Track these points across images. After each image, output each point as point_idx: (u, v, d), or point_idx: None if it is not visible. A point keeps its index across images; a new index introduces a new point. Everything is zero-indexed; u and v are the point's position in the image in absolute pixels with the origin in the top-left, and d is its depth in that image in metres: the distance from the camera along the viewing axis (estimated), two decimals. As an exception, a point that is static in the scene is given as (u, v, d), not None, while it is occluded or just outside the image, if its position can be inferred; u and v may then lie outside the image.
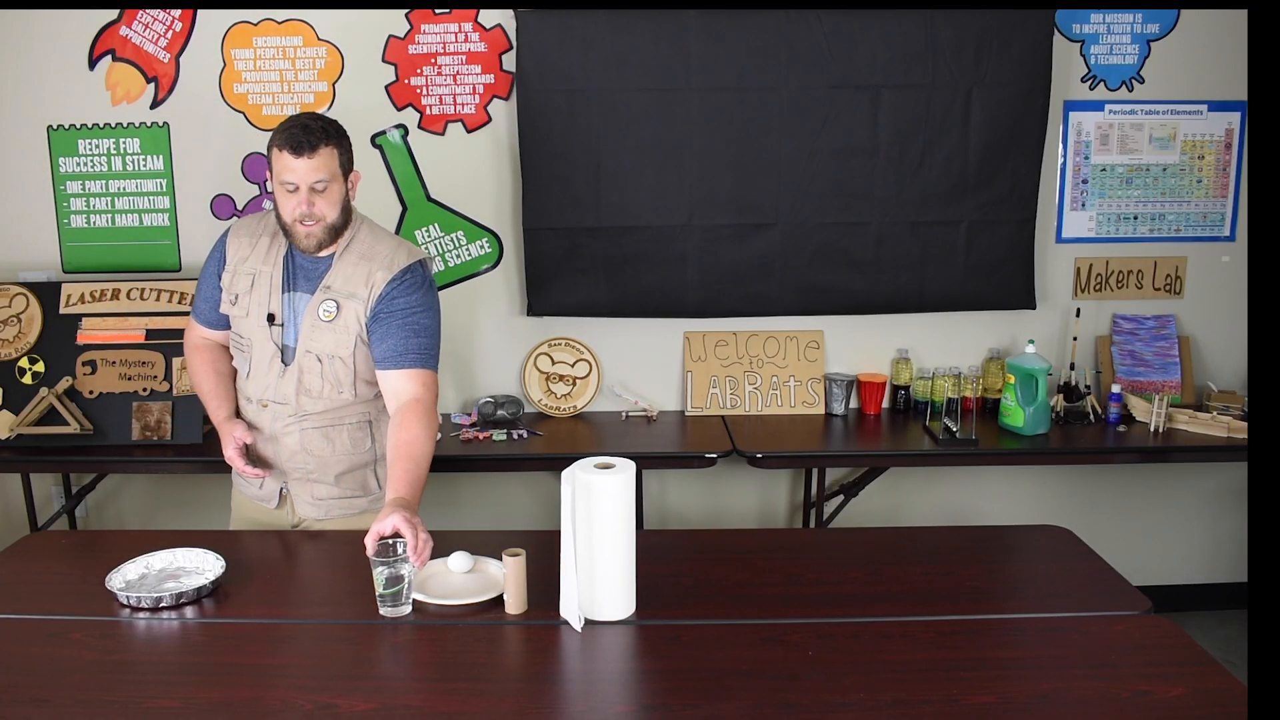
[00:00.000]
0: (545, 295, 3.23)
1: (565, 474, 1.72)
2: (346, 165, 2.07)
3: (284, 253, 2.13)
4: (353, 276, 2.10)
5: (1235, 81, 3.26)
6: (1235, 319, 3.40)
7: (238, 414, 2.22)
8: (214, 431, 2.25)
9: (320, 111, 2.07)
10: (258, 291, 2.12)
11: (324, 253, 2.11)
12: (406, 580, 1.76)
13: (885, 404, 3.38)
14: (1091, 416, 3.20)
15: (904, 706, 1.49)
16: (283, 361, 2.12)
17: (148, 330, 3.03)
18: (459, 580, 1.89)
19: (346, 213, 2.09)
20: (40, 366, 3.00)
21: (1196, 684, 1.55)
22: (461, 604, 1.80)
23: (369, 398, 2.18)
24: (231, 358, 2.25)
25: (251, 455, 2.19)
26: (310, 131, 1.98)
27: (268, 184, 3.19)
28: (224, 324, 2.21)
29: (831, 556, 2.05)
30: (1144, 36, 3.23)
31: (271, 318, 2.11)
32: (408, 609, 1.77)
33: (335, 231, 2.08)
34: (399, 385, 2.08)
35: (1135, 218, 3.35)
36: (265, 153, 2.09)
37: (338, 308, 2.09)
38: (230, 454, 2.15)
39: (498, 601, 1.80)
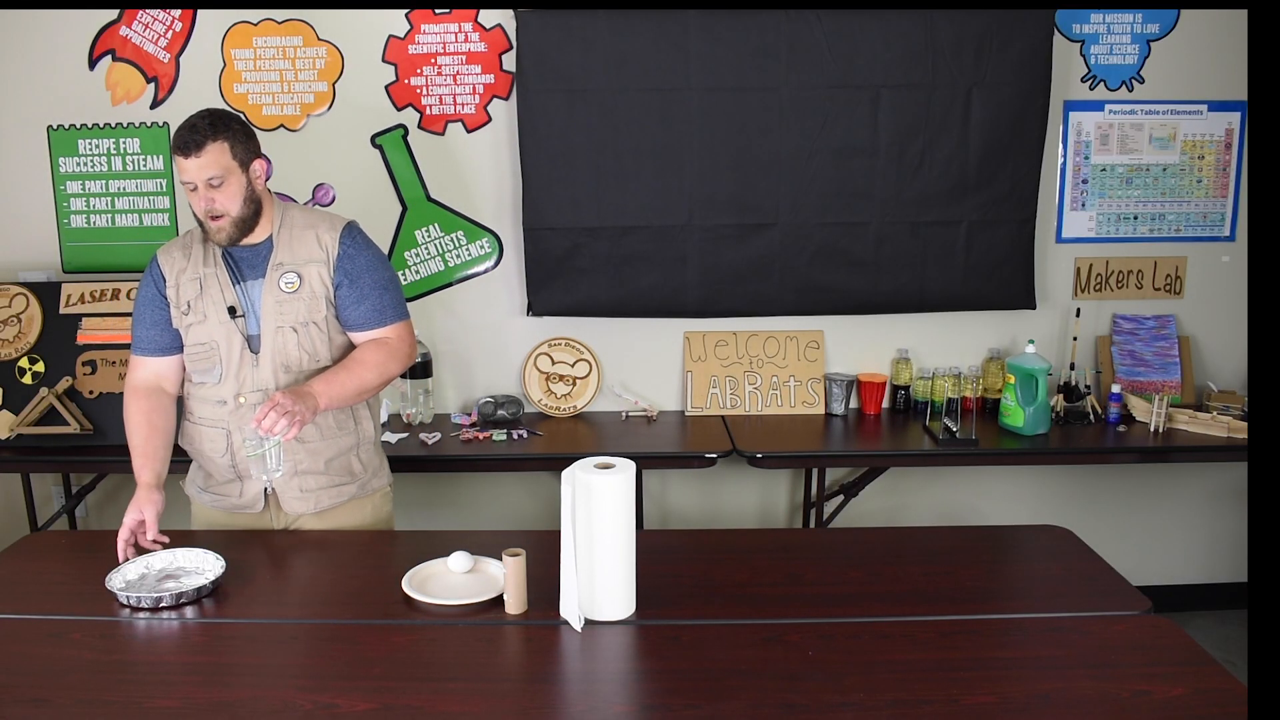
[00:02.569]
0: (545, 295, 3.23)
1: (565, 474, 1.73)
2: (244, 156, 2.07)
3: (220, 253, 2.15)
4: (302, 246, 2.14)
5: (1235, 81, 3.26)
6: (1235, 319, 3.40)
7: (184, 454, 2.23)
8: None
9: (223, 108, 2.07)
10: (209, 293, 2.13)
11: (259, 239, 2.14)
12: (266, 448, 1.94)
13: (885, 404, 3.38)
14: (1091, 416, 3.20)
15: (904, 706, 1.49)
16: (252, 351, 2.13)
17: (148, 330, 3.03)
18: (459, 580, 1.89)
19: (253, 202, 2.11)
20: (40, 366, 3.00)
21: (1196, 684, 1.55)
22: (461, 604, 1.80)
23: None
24: (171, 410, 2.18)
25: (138, 543, 2.02)
26: (196, 130, 2.01)
27: (268, 184, 3.19)
28: (173, 347, 2.18)
29: (831, 556, 2.05)
30: (1144, 36, 3.23)
31: (233, 310, 2.12)
32: (277, 474, 1.99)
33: (244, 224, 2.10)
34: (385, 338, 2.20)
35: (1135, 218, 3.35)
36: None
37: (299, 277, 2.13)
38: (130, 521, 1.99)
39: (498, 601, 1.80)
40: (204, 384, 2.16)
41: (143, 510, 2.01)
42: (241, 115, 2.16)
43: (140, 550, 2.00)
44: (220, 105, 3.15)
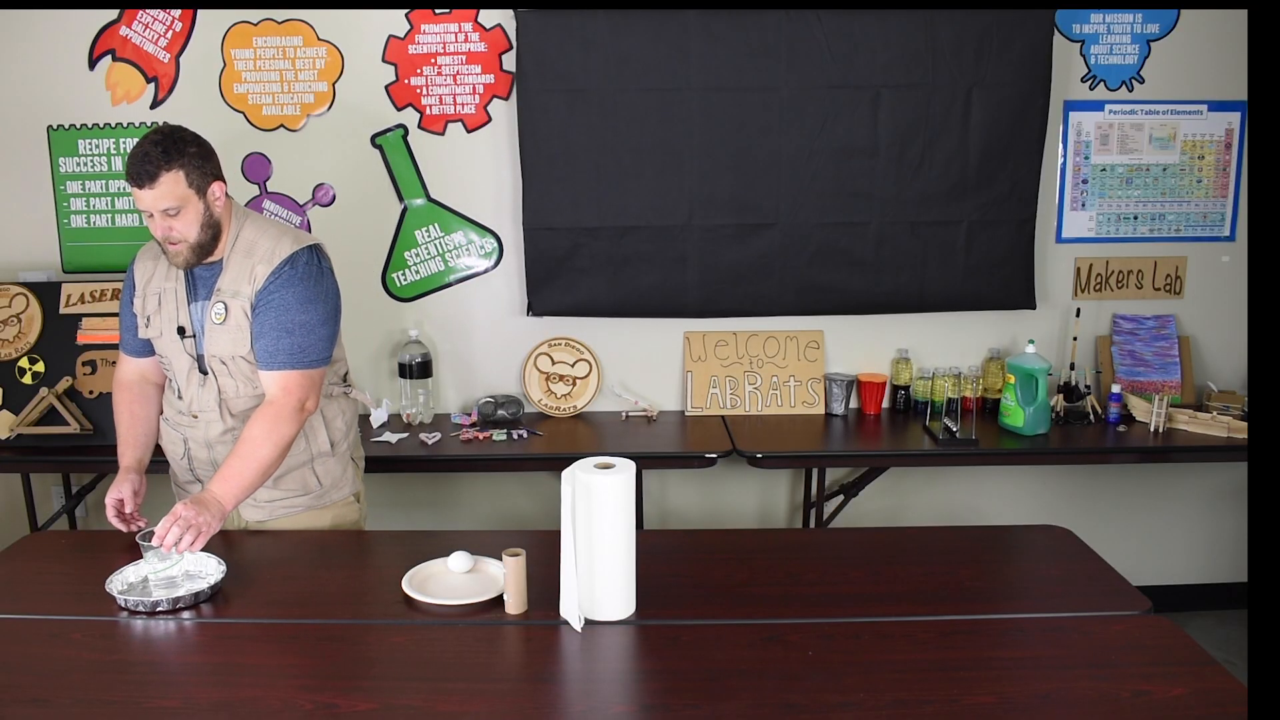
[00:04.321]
0: (545, 295, 3.23)
1: (565, 474, 1.72)
2: (200, 182, 2.01)
3: None
4: (238, 275, 2.09)
5: (1235, 81, 3.26)
6: (1235, 319, 3.40)
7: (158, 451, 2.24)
8: None
9: (178, 127, 2.03)
10: (165, 309, 2.13)
11: (215, 258, 2.10)
12: (172, 562, 1.88)
13: (885, 404, 3.38)
14: (1091, 416, 3.20)
15: (904, 706, 1.49)
16: (200, 371, 2.13)
17: (148, 330, 3.03)
18: (459, 580, 1.89)
19: (212, 227, 2.05)
20: (40, 366, 3.00)
21: (1196, 684, 1.55)
22: (461, 604, 1.80)
23: None
24: (154, 398, 2.26)
25: (126, 512, 2.14)
26: (149, 160, 1.94)
27: (268, 183, 3.20)
28: (149, 350, 2.21)
29: (831, 556, 2.05)
30: (1144, 36, 3.23)
31: (181, 330, 2.11)
32: (178, 592, 1.82)
33: (202, 249, 2.05)
34: (266, 385, 2.10)
35: (1135, 218, 3.35)
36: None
37: (226, 309, 2.09)
38: (110, 500, 2.11)
39: (498, 601, 1.80)
40: (171, 390, 2.21)
41: (119, 489, 2.12)
42: (198, 134, 2.06)
43: (126, 525, 2.12)
44: (220, 105, 3.15)
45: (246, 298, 2.08)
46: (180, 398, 2.17)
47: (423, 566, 1.93)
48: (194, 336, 2.12)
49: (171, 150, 1.96)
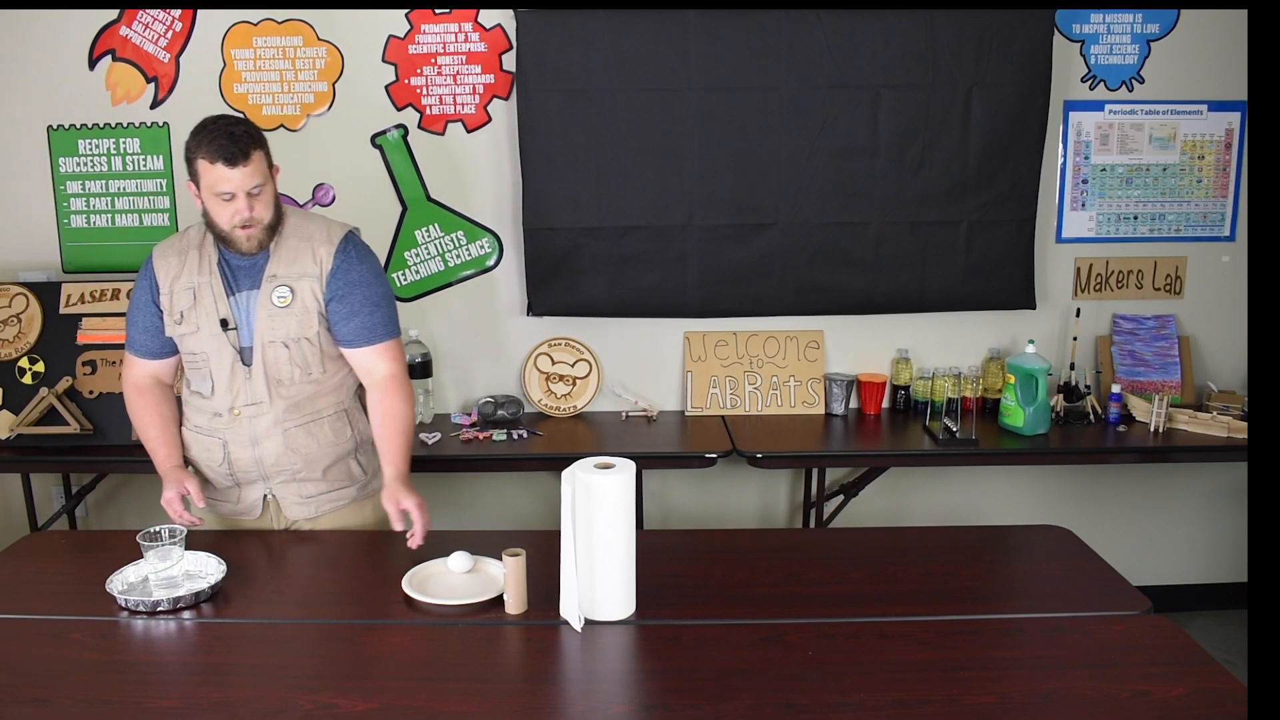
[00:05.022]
0: (545, 295, 3.23)
1: (565, 474, 1.73)
2: (270, 163, 2.07)
3: (216, 260, 2.12)
4: (297, 259, 2.11)
5: (1235, 81, 3.26)
6: (1235, 319, 3.40)
7: (186, 461, 2.22)
8: None
9: (240, 115, 2.06)
10: (202, 303, 2.11)
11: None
12: (168, 569, 1.87)
13: (885, 404, 3.38)
14: (1091, 416, 3.20)
15: (904, 706, 1.49)
16: (244, 363, 2.11)
17: (148, 330, 3.03)
18: (459, 580, 1.89)
19: (279, 208, 2.11)
20: (40, 366, 3.00)
21: (1196, 684, 1.55)
22: (462, 604, 1.80)
23: (338, 379, 2.19)
24: (173, 398, 2.23)
25: (188, 506, 2.16)
26: (238, 139, 1.97)
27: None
28: (165, 351, 2.19)
29: (831, 556, 2.05)
30: (1144, 36, 3.23)
31: (224, 323, 2.10)
32: (178, 592, 1.83)
33: (271, 230, 2.09)
34: (370, 362, 2.15)
35: (1135, 218, 3.35)
36: (186, 159, 2.02)
37: (292, 291, 2.10)
38: (169, 496, 2.11)
39: (498, 601, 1.80)
40: (199, 394, 2.16)
41: (184, 484, 2.11)
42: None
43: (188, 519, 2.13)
44: (220, 105, 3.16)
45: (315, 278, 2.10)
46: (213, 397, 2.13)
47: (423, 566, 1.93)
48: (236, 329, 2.10)
49: (253, 130, 2.02)
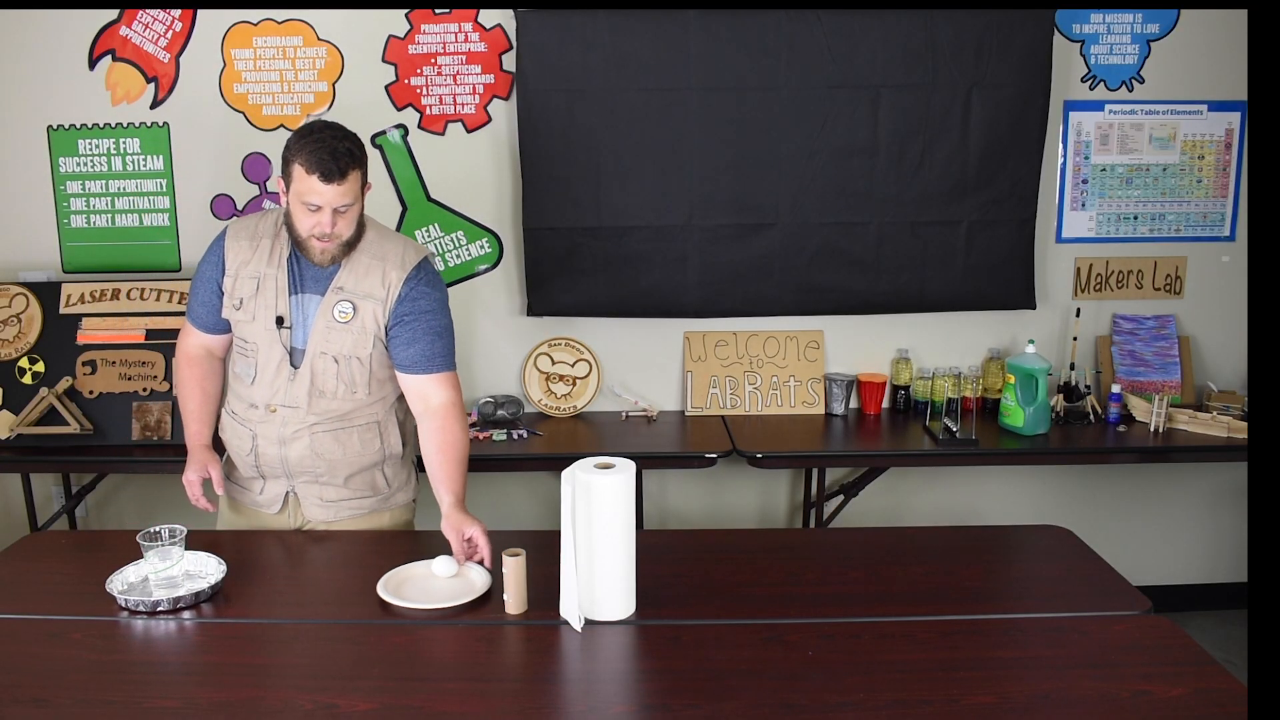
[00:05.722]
0: (545, 295, 3.23)
1: (565, 474, 1.73)
2: (365, 181, 2.04)
3: (288, 254, 2.10)
4: (366, 277, 2.08)
5: (1235, 81, 3.26)
6: (1235, 319, 3.40)
7: (216, 441, 2.23)
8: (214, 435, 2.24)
9: (333, 120, 2.04)
10: (264, 295, 2.09)
11: None
12: (168, 569, 1.87)
13: (885, 404, 3.38)
14: (1091, 416, 3.20)
15: (904, 706, 1.49)
16: (292, 364, 2.10)
17: (147, 330, 3.03)
18: (438, 584, 1.88)
19: (362, 226, 2.08)
20: (40, 366, 3.00)
21: (1196, 684, 1.55)
22: (438, 608, 1.79)
23: (380, 397, 2.17)
24: (221, 374, 2.24)
25: (207, 491, 2.19)
26: (339, 157, 1.94)
27: (268, 183, 3.20)
28: (224, 328, 2.18)
29: (831, 556, 2.05)
30: (1144, 36, 3.23)
31: (280, 320, 2.08)
32: (178, 592, 1.83)
33: (349, 246, 2.06)
34: (428, 389, 2.12)
35: (1135, 218, 3.35)
36: (284, 157, 2.00)
37: (354, 309, 2.08)
38: (191, 478, 2.15)
39: (480, 602, 1.80)
40: (241, 379, 2.16)
41: (207, 468, 2.16)
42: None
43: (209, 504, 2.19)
44: (220, 105, 3.15)
45: (379, 302, 2.08)
46: (253, 388, 2.12)
47: (400, 570, 1.92)
48: (291, 328, 2.09)
49: (356, 148, 2.00)
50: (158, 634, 1.74)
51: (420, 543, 2.12)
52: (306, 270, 2.10)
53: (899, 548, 2.09)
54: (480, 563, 1.94)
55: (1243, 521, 3.55)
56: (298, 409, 2.10)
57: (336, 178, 1.94)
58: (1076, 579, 1.94)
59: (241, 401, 2.17)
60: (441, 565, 1.91)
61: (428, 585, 1.88)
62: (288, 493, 2.20)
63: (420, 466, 2.26)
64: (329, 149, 1.94)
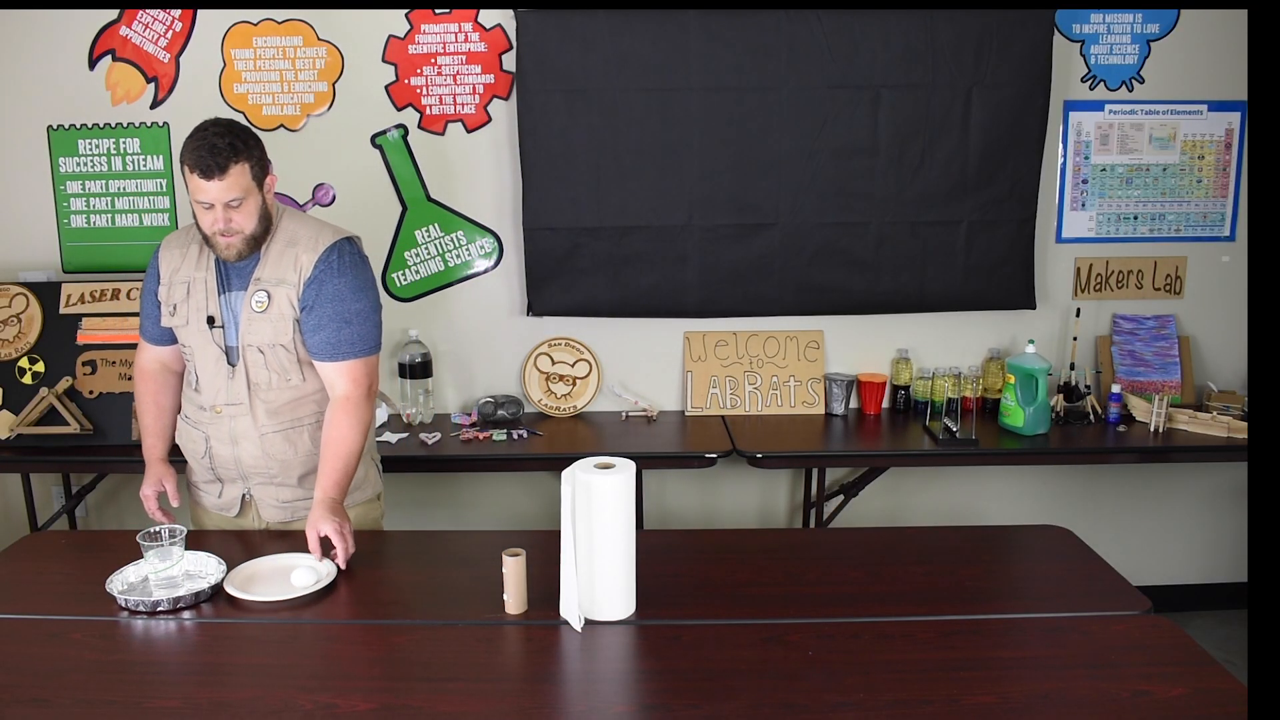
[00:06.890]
0: (545, 295, 3.23)
1: (565, 474, 1.73)
2: (260, 175, 2.03)
3: (214, 257, 2.11)
4: (280, 264, 2.09)
5: (1235, 81, 3.26)
6: (1235, 319, 3.40)
7: (175, 450, 2.25)
8: None
9: (233, 120, 2.03)
10: (194, 298, 2.11)
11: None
12: (168, 569, 1.88)
13: (885, 404, 3.38)
14: (1091, 416, 3.20)
15: (904, 706, 1.49)
16: (229, 363, 2.12)
17: (148, 330, 3.03)
18: (284, 578, 1.89)
19: (266, 219, 2.07)
20: (40, 366, 3.00)
21: (1196, 684, 1.55)
22: (287, 599, 1.81)
23: (320, 386, 2.17)
24: (177, 387, 2.27)
25: (163, 504, 2.23)
26: (218, 152, 1.94)
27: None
28: (170, 338, 2.20)
29: (831, 556, 2.05)
30: (1144, 36, 3.23)
31: (211, 320, 2.10)
32: (178, 592, 1.83)
33: (255, 241, 2.06)
34: (333, 378, 2.11)
35: (1135, 218, 3.35)
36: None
37: (269, 297, 2.08)
38: (146, 492, 2.20)
39: (478, 602, 1.80)
40: (190, 385, 2.19)
41: (162, 482, 2.22)
42: (251, 126, 2.09)
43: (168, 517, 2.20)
44: (220, 105, 3.15)
45: (292, 286, 2.08)
46: (199, 391, 2.15)
47: (247, 565, 1.94)
48: (223, 327, 2.11)
49: (238, 143, 1.98)
50: (158, 634, 1.74)
51: (420, 541, 2.12)
52: (232, 269, 2.11)
53: (899, 548, 2.09)
54: (334, 560, 1.94)
55: (1243, 521, 3.55)
56: (241, 404, 2.12)
57: (216, 173, 1.95)
58: (1076, 579, 1.94)
59: (193, 405, 2.19)
60: (299, 576, 1.87)
61: (276, 581, 1.88)
62: (244, 495, 2.20)
63: (385, 463, 2.32)
64: (208, 146, 1.95)
